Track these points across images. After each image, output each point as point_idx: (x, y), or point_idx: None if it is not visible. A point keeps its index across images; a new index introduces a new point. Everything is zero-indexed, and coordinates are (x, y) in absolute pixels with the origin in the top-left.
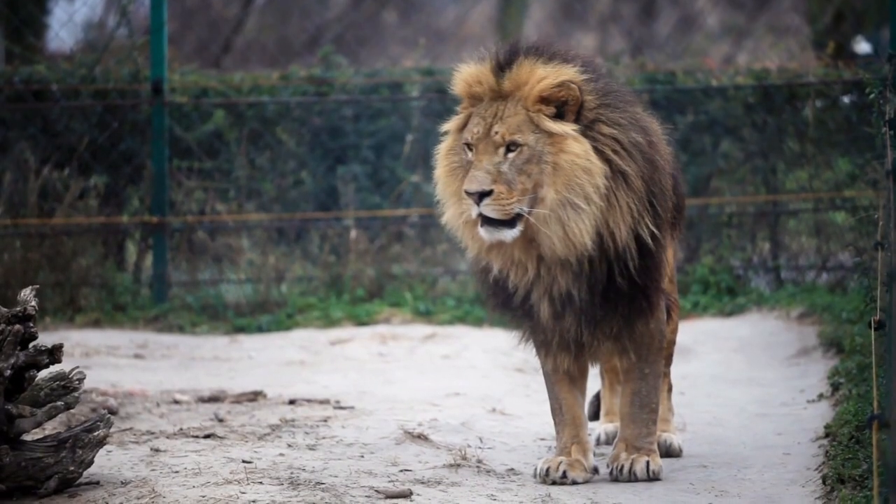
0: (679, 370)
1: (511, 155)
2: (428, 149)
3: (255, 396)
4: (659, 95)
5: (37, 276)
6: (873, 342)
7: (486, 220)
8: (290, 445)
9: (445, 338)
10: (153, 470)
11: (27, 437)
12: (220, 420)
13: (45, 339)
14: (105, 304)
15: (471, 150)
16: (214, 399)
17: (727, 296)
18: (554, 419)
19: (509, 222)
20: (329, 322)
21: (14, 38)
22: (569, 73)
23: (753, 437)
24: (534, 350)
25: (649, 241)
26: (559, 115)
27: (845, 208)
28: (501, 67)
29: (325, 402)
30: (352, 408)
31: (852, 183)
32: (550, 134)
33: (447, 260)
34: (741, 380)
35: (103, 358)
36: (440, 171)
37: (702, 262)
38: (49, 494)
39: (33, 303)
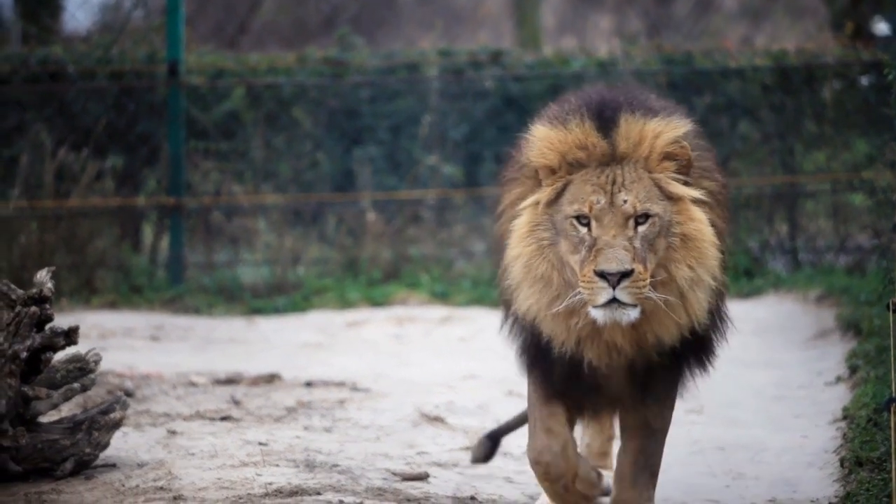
0: None
1: (642, 228)
2: (445, 130)
3: (271, 379)
4: (676, 77)
5: (53, 257)
6: (892, 324)
7: (613, 301)
8: (306, 428)
9: (462, 320)
10: (169, 452)
11: (43, 420)
12: (237, 402)
13: (61, 321)
14: (121, 286)
15: (585, 224)
16: (231, 381)
17: (744, 278)
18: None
19: (634, 304)
20: (345, 304)
21: (30, 20)
22: (681, 124)
23: (771, 420)
24: (536, 395)
25: (719, 294)
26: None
27: (863, 190)
28: (606, 126)
29: (341, 384)
30: (368, 390)
31: (870, 164)
32: (674, 201)
33: (463, 242)
34: (759, 362)
35: (119, 340)
36: (522, 249)
37: None
38: (65, 476)
39: (49, 285)
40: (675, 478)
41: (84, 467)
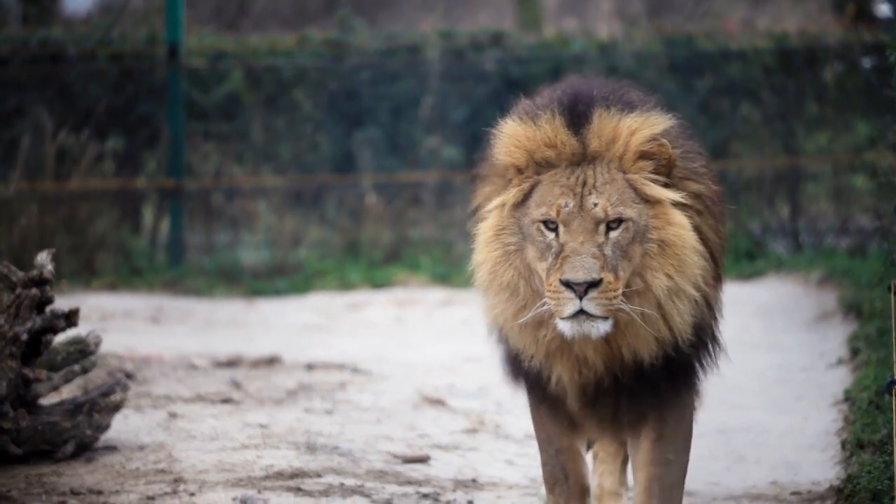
0: None
1: (614, 234)
2: (445, 112)
3: (271, 361)
4: (677, 59)
5: (53, 240)
6: (893, 306)
7: (581, 313)
8: (306, 410)
9: (462, 302)
10: (170, 434)
11: (44, 402)
12: (237, 385)
13: (62, 303)
14: (121, 268)
15: (553, 229)
16: (231, 363)
17: (746, 260)
18: (552, 490)
19: (605, 316)
20: (346, 286)
21: (30, 1)
22: (660, 121)
23: (772, 403)
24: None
25: (705, 309)
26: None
27: (865, 172)
28: (578, 123)
29: (341, 366)
30: (368, 372)
31: (872, 146)
32: (651, 203)
33: (464, 224)
34: (760, 344)
35: (120, 322)
36: (487, 255)
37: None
38: (66, 458)
39: (49, 266)
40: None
41: (84, 449)
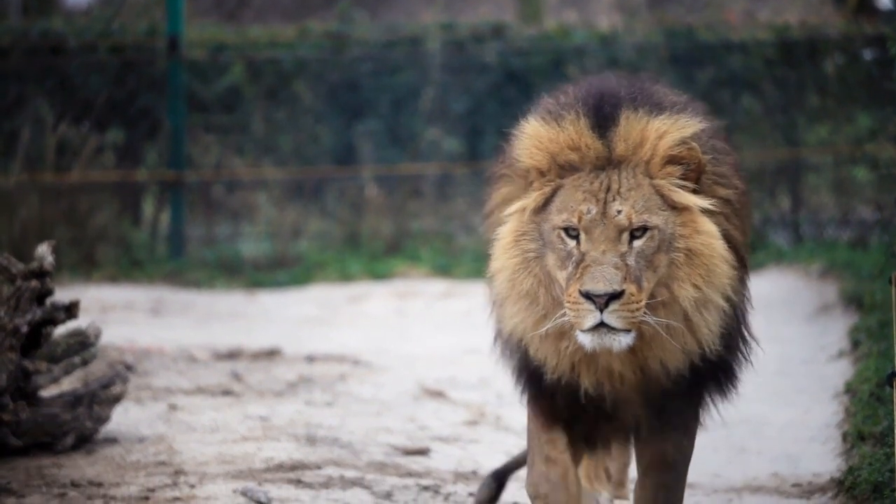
0: None
1: (638, 243)
2: (447, 104)
3: (272, 353)
4: (678, 50)
5: (53, 231)
6: (893, 298)
7: (602, 325)
8: (307, 402)
9: (463, 294)
10: (170, 427)
11: (44, 394)
12: (238, 377)
13: (62, 295)
14: (122, 260)
15: (574, 237)
16: (231, 356)
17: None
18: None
19: (627, 329)
20: (346, 278)
21: None
22: (690, 123)
23: (773, 395)
24: (538, 425)
25: (734, 317)
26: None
27: (866, 164)
28: (604, 125)
29: (342, 358)
30: (369, 364)
31: (873, 138)
32: (678, 210)
33: (465, 216)
34: (761, 337)
35: (120, 314)
36: (506, 261)
37: None
38: (66, 451)
39: (49, 258)
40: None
41: (85, 441)
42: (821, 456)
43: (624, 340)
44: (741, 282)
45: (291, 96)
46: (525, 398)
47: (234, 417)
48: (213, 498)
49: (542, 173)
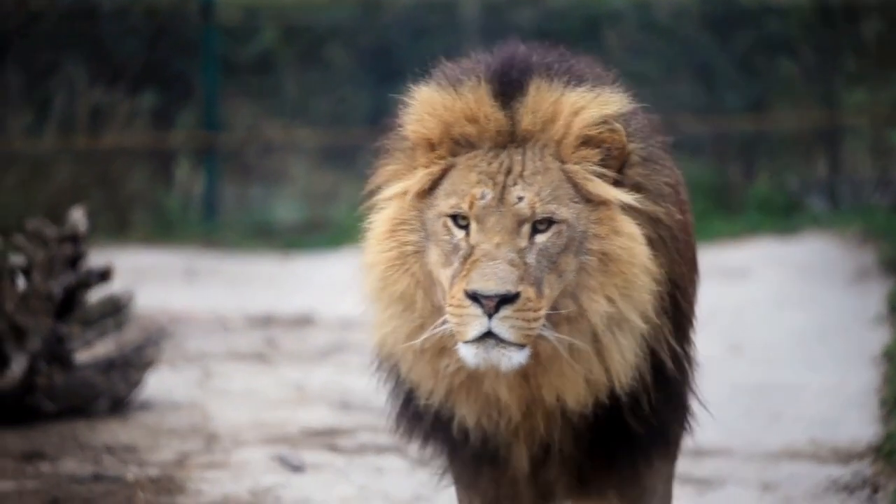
0: (734, 292)
1: (541, 238)
2: None
3: (306, 318)
4: (715, 14)
5: (87, 195)
6: None
7: (490, 336)
8: (341, 368)
9: None
10: (204, 392)
11: (77, 358)
12: (271, 342)
13: (96, 258)
14: (155, 224)
15: (464, 226)
16: (265, 321)
17: (783, 216)
18: None
19: (520, 343)
20: None
21: None
22: (614, 99)
23: (810, 361)
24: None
25: (669, 362)
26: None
27: None
28: (509, 94)
29: None
30: None
31: None
32: (594, 205)
33: None
34: (798, 302)
35: (153, 278)
36: (378, 255)
37: (758, 181)
38: (100, 415)
39: (83, 223)
40: (714, 420)
41: (118, 406)
42: (858, 422)
43: (515, 357)
44: (678, 311)
45: (325, 60)
46: (403, 432)
47: (268, 383)
48: (248, 463)
49: (432, 146)
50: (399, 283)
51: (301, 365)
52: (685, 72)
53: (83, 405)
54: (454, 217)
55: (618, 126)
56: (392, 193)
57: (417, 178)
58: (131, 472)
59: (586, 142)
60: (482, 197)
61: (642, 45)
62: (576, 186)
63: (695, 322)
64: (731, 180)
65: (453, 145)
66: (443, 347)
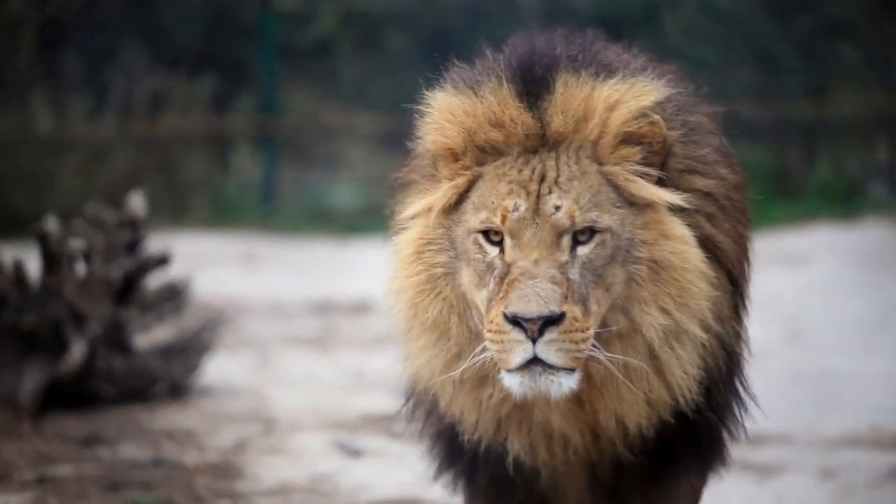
0: (794, 278)
1: (584, 250)
2: None
3: (364, 304)
4: None
5: (146, 181)
6: None
7: (536, 362)
8: (398, 354)
9: None
10: (263, 377)
11: (136, 343)
12: (329, 328)
13: (155, 242)
14: (213, 209)
15: (497, 242)
16: (323, 307)
17: (843, 202)
18: None
19: (569, 367)
20: None
21: None
22: (651, 89)
23: (871, 347)
24: None
25: (721, 355)
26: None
27: None
28: (535, 93)
29: None
30: None
31: None
32: (639, 208)
33: None
34: (858, 289)
35: (211, 263)
36: (406, 280)
37: (818, 167)
38: (159, 400)
39: (142, 208)
40: (772, 407)
41: (177, 391)
42: None
43: (565, 384)
44: (733, 311)
45: (383, 45)
46: (445, 479)
47: (325, 369)
48: (306, 448)
49: (455, 157)
50: (431, 309)
51: (359, 351)
52: (745, 57)
53: (142, 390)
54: (486, 233)
55: (657, 118)
56: (416, 211)
57: (442, 193)
58: (190, 458)
59: (626, 140)
60: (515, 209)
61: (701, 30)
62: (617, 189)
63: (746, 296)
64: (791, 166)
65: (478, 153)
66: (484, 376)
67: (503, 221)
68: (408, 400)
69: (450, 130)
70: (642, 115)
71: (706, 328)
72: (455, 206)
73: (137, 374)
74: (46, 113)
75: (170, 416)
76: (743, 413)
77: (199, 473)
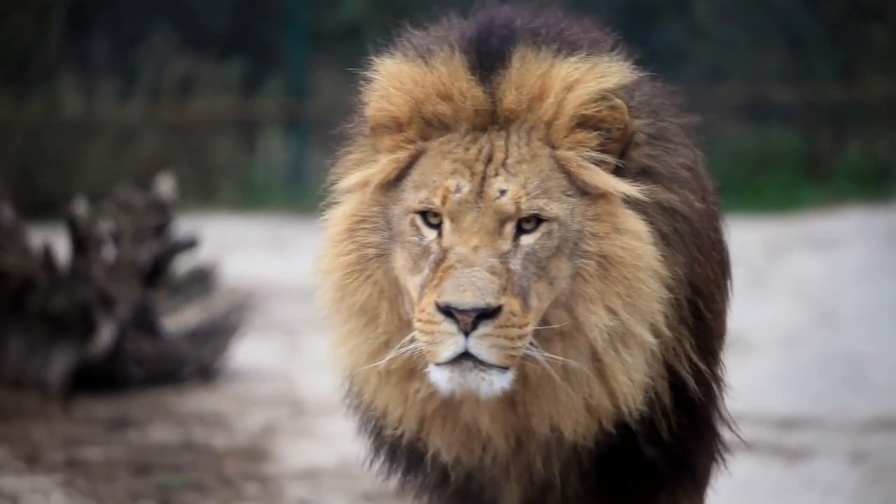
0: (825, 261)
1: (528, 239)
2: None
3: None
4: None
5: (174, 164)
6: None
7: (467, 357)
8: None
9: None
10: (291, 361)
11: (164, 326)
12: None
13: (182, 226)
14: (241, 192)
15: (434, 225)
16: None
17: (874, 185)
18: None
19: (503, 365)
20: None
21: None
22: (615, 70)
23: None
24: None
25: (692, 381)
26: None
27: None
28: (489, 66)
29: None
30: None
31: None
32: (592, 198)
33: None
34: (888, 273)
35: (239, 246)
36: (335, 260)
37: (848, 150)
38: (187, 383)
39: (170, 191)
40: (804, 390)
41: (205, 374)
42: None
43: (497, 382)
44: (701, 322)
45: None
46: (377, 471)
47: None
48: (334, 431)
49: (399, 127)
50: (359, 292)
51: None
52: (775, 39)
53: (170, 373)
54: (424, 214)
55: (618, 102)
56: (351, 185)
57: (380, 166)
58: (219, 441)
59: (582, 123)
60: (457, 190)
61: (731, 12)
62: (569, 176)
63: (725, 336)
64: (821, 149)
65: (424, 127)
66: (412, 369)
67: (443, 203)
68: (344, 387)
69: (396, 98)
70: (602, 97)
71: (656, 333)
72: (394, 182)
73: (166, 356)
74: (75, 96)
75: (199, 399)
76: (720, 445)
77: (228, 456)
